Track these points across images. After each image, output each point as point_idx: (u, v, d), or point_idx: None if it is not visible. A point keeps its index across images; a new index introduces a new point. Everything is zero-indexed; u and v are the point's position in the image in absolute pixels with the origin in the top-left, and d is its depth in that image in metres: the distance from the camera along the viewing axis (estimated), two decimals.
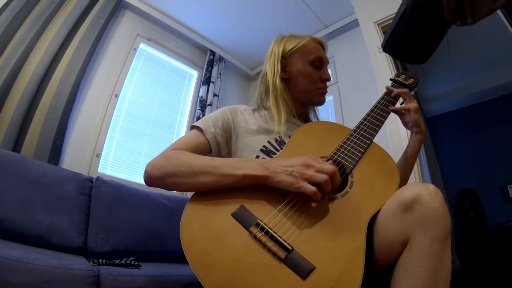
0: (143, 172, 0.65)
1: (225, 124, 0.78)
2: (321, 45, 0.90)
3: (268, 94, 0.87)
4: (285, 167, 0.56)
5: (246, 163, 0.60)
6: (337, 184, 0.55)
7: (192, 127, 0.78)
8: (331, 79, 0.90)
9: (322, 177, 0.52)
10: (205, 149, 0.74)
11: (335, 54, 2.41)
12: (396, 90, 0.82)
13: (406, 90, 0.82)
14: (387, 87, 0.85)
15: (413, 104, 0.78)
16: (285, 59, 0.87)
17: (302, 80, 0.85)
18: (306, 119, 0.96)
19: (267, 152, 0.75)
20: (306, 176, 0.53)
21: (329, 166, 0.54)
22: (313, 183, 0.53)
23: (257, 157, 0.73)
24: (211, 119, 0.77)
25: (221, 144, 0.76)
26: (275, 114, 0.81)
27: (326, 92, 0.89)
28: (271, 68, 0.86)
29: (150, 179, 0.64)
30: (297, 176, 0.54)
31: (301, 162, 0.56)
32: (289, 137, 0.78)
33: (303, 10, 2.30)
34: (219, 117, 0.78)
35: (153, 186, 0.65)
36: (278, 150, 0.76)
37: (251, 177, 0.57)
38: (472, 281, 1.87)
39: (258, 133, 0.78)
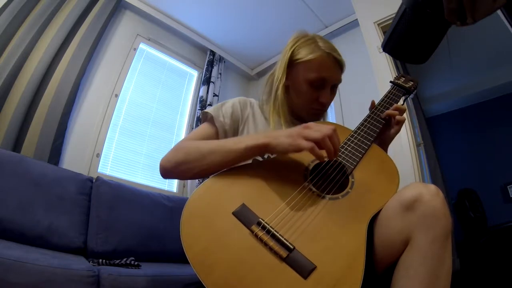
0: (159, 168, 0.69)
1: (234, 115, 0.79)
2: (337, 63, 0.80)
3: (270, 96, 0.86)
4: (285, 131, 0.59)
5: (248, 136, 0.63)
6: (336, 144, 0.56)
7: (204, 114, 0.79)
8: (330, 102, 0.83)
9: (319, 134, 0.55)
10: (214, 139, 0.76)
11: None
12: (386, 112, 0.77)
13: (396, 112, 0.76)
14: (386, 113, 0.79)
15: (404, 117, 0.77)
16: (290, 67, 0.81)
17: (297, 95, 0.81)
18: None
19: None
20: (304, 134, 0.56)
21: (327, 127, 0.56)
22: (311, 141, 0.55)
23: None
24: (221, 110, 0.79)
25: (229, 134, 0.77)
26: (270, 120, 0.80)
27: (322, 113, 0.85)
28: (278, 71, 0.82)
29: (164, 171, 0.68)
30: (295, 135, 0.57)
31: (301, 126, 0.59)
32: None
33: (303, 10, 2.30)
34: (229, 108, 0.80)
35: (169, 178, 0.70)
36: None
37: (253, 148, 0.60)
38: (472, 281, 1.87)
39: (263, 129, 0.80)
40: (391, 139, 0.79)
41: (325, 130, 0.55)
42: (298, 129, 0.58)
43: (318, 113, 0.83)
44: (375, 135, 0.72)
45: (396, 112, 0.76)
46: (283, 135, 0.58)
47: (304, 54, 0.78)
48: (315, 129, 0.56)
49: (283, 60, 0.81)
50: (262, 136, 0.60)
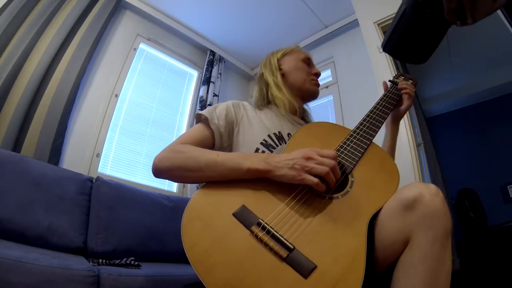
0: (152, 164, 0.68)
1: (228, 118, 0.80)
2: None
3: (268, 89, 0.91)
4: (286, 161, 0.58)
5: (249, 158, 0.62)
6: (339, 175, 0.57)
7: (198, 116, 0.80)
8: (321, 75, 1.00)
9: (323, 169, 0.54)
10: (209, 142, 0.76)
11: (335, 54, 2.41)
12: (400, 84, 0.89)
13: (409, 87, 0.89)
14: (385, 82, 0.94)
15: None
16: (279, 61, 0.96)
17: (297, 73, 0.93)
18: (304, 118, 0.98)
19: (267, 145, 0.76)
20: (307, 168, 0.55)
21: (329, 160, 0.56)
22: (315, 175, 0.55)
23: (257, 149, 0.75)
24: (215, 112, 0.79)
25: (224, 136, 0.77)
26: (281, 99, 0.87)
27: (319, 85, 0.97)
28: (269, 68, 0.95)
29: (157, 171, 0.67)
30: (298, 169, 0.56)
31: (301, 154, 0.58)
32: (287, 134, 0.79)
33: (303, 10, 2.30)
34: (223, 110, 0.81)
35: (160, 178, 0.68)
36: (277, 145, 0.77)
37: (255, 171, 0.59)
38: (472, 281, 1.87)
39: (259, 127, 0.80)
40: (402, 115, 0.90)
41: (328, 163, 0.55)
42: (299, 160, 0.57)
43: (316, 83, 0.96)
44: (374, 134, 0.72)
45: (409, 87, 0.87)
46: (285, 165, 0.57)
47: (285, 49, 1.00)
48: (318, 161, 0.56)
49: (272, 60, 0.96)
50: (263, 162, 0.60)
